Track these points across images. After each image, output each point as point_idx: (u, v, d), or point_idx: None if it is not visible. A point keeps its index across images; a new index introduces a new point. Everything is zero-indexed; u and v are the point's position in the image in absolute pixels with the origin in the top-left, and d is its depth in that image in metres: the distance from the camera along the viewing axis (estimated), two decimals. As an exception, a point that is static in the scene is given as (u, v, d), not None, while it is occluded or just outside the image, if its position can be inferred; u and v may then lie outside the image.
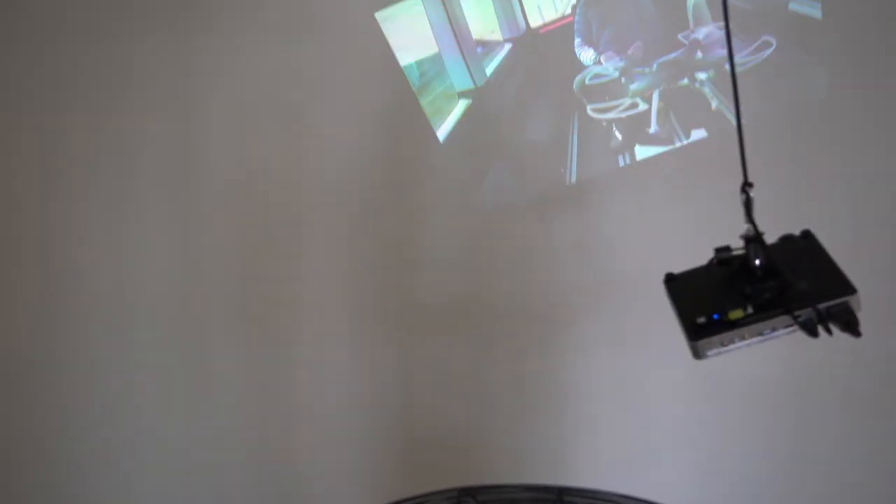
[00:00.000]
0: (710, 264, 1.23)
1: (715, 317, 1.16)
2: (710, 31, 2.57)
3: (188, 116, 2.44)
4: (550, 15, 2.55)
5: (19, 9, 2.32)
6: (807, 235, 1.24)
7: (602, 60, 2.60)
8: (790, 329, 1.14)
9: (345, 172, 2.52)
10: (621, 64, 2.57)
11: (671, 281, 1.28)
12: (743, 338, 1.16)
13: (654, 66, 2.58)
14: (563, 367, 2.52)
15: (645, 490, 1.87)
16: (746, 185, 1.19)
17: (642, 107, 2.58)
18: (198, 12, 2.35)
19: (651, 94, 2.61)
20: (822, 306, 1.10)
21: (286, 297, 2.56)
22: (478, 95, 2.57)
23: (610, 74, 2.57)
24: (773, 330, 1.14)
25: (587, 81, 2.57)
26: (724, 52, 2.52)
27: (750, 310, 1.14)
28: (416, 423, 2.59)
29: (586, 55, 2.59)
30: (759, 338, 1.16)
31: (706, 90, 2.66)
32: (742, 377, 2.39)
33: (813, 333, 1.11)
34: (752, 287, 1.16)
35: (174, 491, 2.56)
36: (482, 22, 2.52)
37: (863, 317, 2.13)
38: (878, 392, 2.41)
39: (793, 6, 2.56)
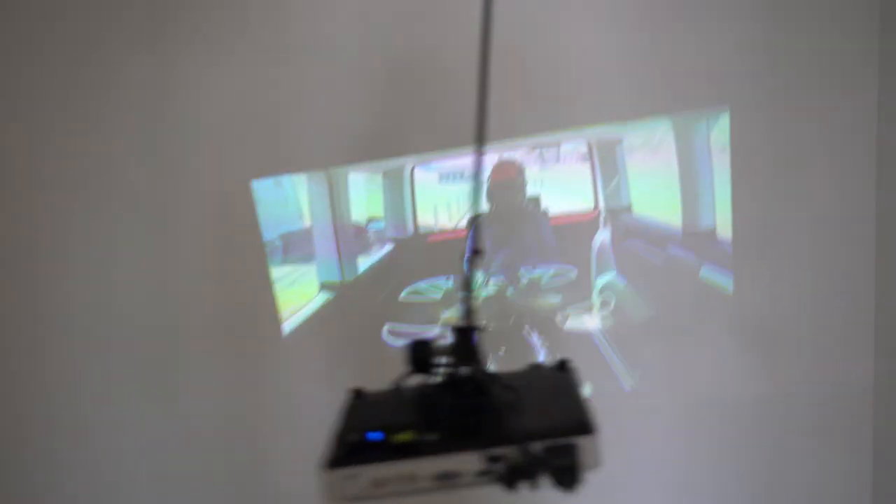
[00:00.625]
0: (399, 384, 0.85)
1: (374, 436, 0.76)
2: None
3: (168, 133, 2.32)
4: (446, 223, 2.33)
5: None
6: (563, 366, 0.92)
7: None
8: (480, 477, 0.75)
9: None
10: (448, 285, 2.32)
11: (358, 398, 0.91)
12: (410, 480, 0.75)
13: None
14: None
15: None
16: (475, 253, 0.83)
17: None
18: (179, 31, 2.26)
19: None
20: (537, 446, 0.74)
21: (262, 312, 2.42)
22: (341, 291, 2.26)
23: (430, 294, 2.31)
24: (457, 475, 0.75)
25: (403, 295, 2.29)
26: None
27: (434, 436, 0.76)
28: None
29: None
30: (435, 483, 0.76)
31: (599, 341, 2.41)
32: (721, 400, 2.39)
33: (510, 485, 0.73)
34: (450, 406, 0.78)
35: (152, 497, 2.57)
36: (367, 213, 2.28)
37: (844, 341, 2.30)
38: (853, 415, 2.38)
39: (704, 272, 2.38)
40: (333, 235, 2.24)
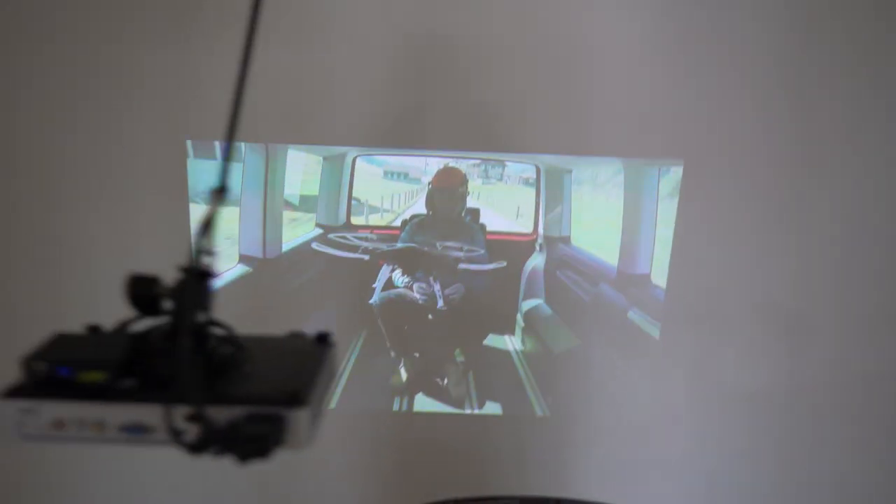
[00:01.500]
0: (124, 324, 0.76)
1: (62, 371, 0.70)
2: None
3: (189, 119, 2.18)
4: (379, 219, 2.28)
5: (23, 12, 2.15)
6: (323, 339, 0.85)
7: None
8: (173, 436, 0.70)
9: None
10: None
11: (94, 330, 0.81)
12: (97, 427, 0.71)
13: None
14: (560, 377, 2.43)
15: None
16: (219, 190, 0.74)
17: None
18: (203, 19, 2.14)
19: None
20: (240, 413, 0.69)
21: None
22: (259, 268, 2.22)
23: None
24: (147, 429, 0.70)
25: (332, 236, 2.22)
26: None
27: (129, 383, 0.71)
28: (412, 430, 2.45)
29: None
30: (121, 435, 0.71)
31: (517, 361, 2.39)
32: (744, 385, 2.38)
33: (196, 449, 0.67)
34: (157, 354, 0.71)
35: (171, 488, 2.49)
36: (301, 191, 2.23)
37: (858, 330, 2.34)
38: (868, 403, 2.38)
39: (632, 315, 2.35)
40: (261, 211, 2.19)
